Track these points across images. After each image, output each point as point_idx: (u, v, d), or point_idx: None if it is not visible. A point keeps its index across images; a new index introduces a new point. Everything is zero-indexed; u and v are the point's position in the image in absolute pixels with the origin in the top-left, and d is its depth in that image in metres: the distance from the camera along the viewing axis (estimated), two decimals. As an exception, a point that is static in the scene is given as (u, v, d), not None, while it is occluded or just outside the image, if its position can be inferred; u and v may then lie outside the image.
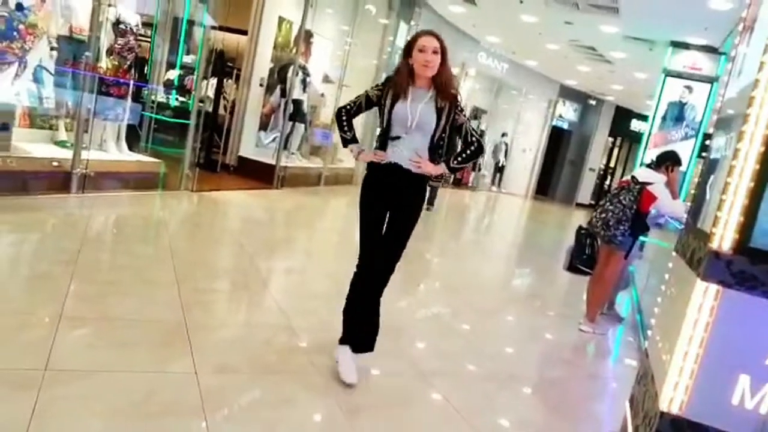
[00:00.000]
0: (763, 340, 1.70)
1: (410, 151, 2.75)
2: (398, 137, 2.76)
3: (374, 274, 2.86)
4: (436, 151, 2.80)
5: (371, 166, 2.86)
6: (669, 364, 1.79)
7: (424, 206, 2.98)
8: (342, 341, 2.96)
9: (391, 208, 2.82)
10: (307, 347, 3.22)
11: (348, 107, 2.93)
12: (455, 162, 2.82)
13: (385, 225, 2.84)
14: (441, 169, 2.80)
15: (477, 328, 4.32)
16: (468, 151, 2.80)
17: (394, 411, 2.73)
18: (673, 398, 1.76)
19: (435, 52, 2.67)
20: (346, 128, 2.94)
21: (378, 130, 2.94)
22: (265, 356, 3.00)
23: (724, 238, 1.73)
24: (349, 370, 2.84)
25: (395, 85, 2.75)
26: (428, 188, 2.91)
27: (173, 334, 2.98)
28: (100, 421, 2.16)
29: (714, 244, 1.75)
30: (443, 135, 2.79)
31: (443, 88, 2.73)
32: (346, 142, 2.99)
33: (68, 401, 2.22)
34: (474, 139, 2.80)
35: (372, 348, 2.99)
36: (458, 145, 2.89)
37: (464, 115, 2.80)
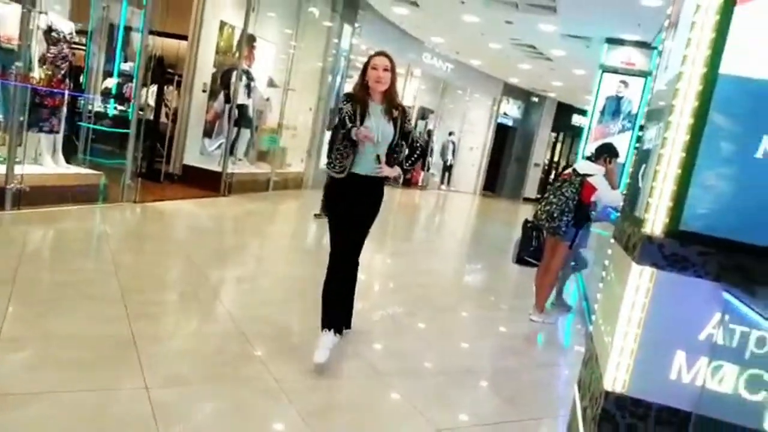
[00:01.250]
0: (696, 317, 1.80)
1: (372, 160, 3.17)
2: (364, 151, 3.16)
3: (349, 262, 3.30)
4: (392, 156, 3.26)
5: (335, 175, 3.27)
6: (611, 345, 1.87)
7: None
8: (323, 326, 3.20)
9: (357, 207, 3.22)
10: (261, 355, 3.18)
11: (334, 133, 3.43)
12: (407, 164, 3.37)
13: (353, 220, 3.25)
14: (397, 171, 3.28)
15: (432, 326, 4.37)
16: (415, 155, 3.39)
17: (354, 412, 2.73)
18: (615, 377, 1.84)
19: (386, 70, 3.13)
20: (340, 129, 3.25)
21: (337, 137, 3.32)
22: (218, 366, 2.96)
23: (655, 222, 1.83)
24: (322, 351, 3.08)
25: (358, 101, 3.17)
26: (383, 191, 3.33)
27: (121, 349, 2.89)
28: (46, 443, 2.08)
29: (647, 229, 1.84)
30: (398, 141, 3.26)
31: (392, 99, 3.21)
32: (349, 130, 3.16)
33: (13, 427, 2.13)
34: (418, 144, 3.40)
35: (350, 325, 3.54)
36: (404, 148, 3.35)
37: (410, 123, 3.34)
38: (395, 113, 3.20)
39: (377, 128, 3.14)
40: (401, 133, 3.25)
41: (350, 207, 3.22)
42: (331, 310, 3.23)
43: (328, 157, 3.28)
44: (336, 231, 3.26)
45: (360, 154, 3.16)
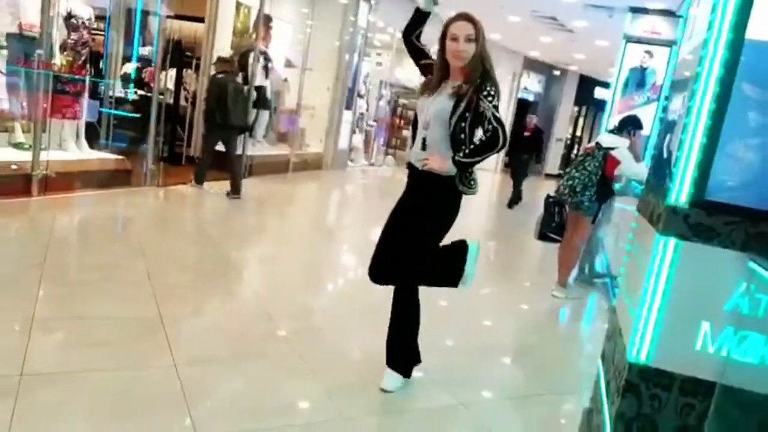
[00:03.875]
0: (721, 288, 1.77)
1: (428, 147, 2.51)
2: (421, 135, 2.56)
3: (384, 280, 2.72)
4: (457, 146, 2.46)
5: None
6: (635, 317, 1.86)
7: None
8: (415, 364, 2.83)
9: (400, 205, 2.68)
10: (286, 334, 3.23)
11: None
12: (462, 154, 2.41)
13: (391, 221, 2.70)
14: (446, 164, 2.42)
15: (454, 303, 4.36)
16: (479, 141, 2.42)
17: (379, 390, 2.75)
18: (639, 349, 1.83)
19: (469, 40, 2.41)
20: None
21: None
22: (245, 345, 3.01)
23: (680, 192, 1.80)
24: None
25: (428, 81, 2.58)
26: (452, 193, 2.54)
27: (149, 329, 2.96)
28: (82, 421, 2.16)
29: (671, 199, 1.81)
30: (462, 125, 2.44)
31: (472, 72, 2.44)
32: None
33: (48, 404, 2.20)
34: (490, 126, 2.37)
35: (402, 372, 2.82)
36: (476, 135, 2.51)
37: (490, 102, 2.38)
38: (464, 88, 2.42)
39: (429, 104, 2.52)
40: (473, 113, 2.41)
41: (398, 204, 2.69)
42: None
43: None
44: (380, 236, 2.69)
45: (417, 137, 2.58)
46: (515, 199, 10.24)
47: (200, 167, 7.03)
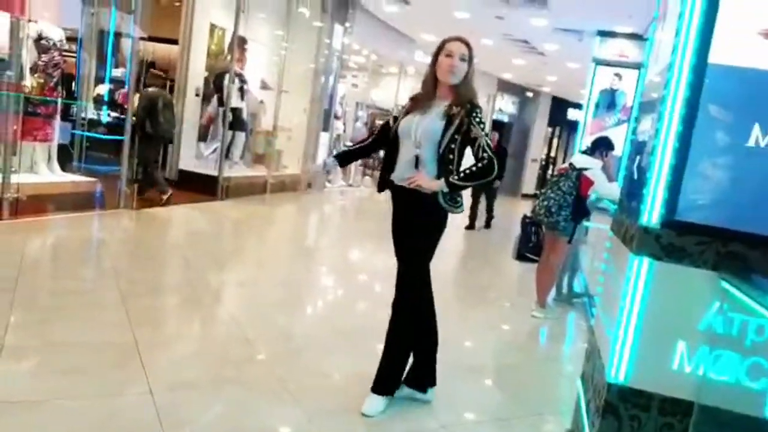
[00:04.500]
0: (695, 307, 1.81)
1: (408, 164, 2.58)
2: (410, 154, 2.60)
3: (398, 294, 2.82)
4: (445, 166, 2.52)
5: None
6: (611, 337, 1.88)
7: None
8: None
9: (395, 225, 2.76)
10: (265, 358, 3.18)
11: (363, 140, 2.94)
12: (457, 177, 2.49)
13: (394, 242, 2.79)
14: (438, 184, 2.49)
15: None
16: (475, 167, 2.48)
17: (359, 412, 2.72)
18: (617, 369, 1.85)
19: (463, 59, 2.54)
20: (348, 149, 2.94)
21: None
22: (222, 369, 2.96)
23: (651, 213, 1.84)
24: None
25: (416, 98, 2.66)
26: (439, 209, 2.59)
27: (124, 355, 2.89)
28: (51, 452, 2.09)
29: (643, 220, 1.85)
30: (452, 147, 2.52)
31: (462, 97, 2.54)
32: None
33: (16, 435, 2.13)
34: (485, 155, 2.48)
35: (386, 389, 2.82)
36: (462, 159, 2.61)
37: (482, 129, 2.51)
38: (454, 110, 2.50)
39: (417, 122, 2.57)
40: (464, 138, 2.51)
41: (393, 224, 2.75)
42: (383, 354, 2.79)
43: None
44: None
45: (400, 155, 2.62)
46: (488, 219, 10.40)
47: (148, 178, 7.18)
